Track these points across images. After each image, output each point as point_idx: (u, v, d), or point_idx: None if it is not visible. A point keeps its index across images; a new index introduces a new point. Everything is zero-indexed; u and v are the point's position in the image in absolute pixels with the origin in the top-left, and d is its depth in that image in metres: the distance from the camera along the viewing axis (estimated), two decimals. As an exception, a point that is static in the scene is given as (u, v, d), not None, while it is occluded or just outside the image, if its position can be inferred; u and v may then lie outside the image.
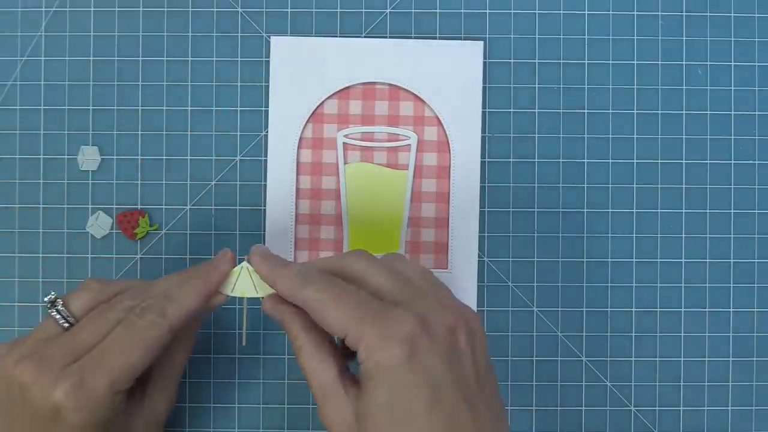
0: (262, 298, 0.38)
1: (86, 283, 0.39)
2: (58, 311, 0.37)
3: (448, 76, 0.46)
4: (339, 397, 0.35)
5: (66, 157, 0.47)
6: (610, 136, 0.47)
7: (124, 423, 0.38)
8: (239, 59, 0.47)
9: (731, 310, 0.47)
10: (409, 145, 0.46)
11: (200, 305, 0.38)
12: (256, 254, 0.38)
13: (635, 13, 0.47)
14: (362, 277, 0.36)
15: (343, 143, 0.46)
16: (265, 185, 0.46)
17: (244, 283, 0.38)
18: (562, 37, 0.47)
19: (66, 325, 0.37)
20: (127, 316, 0.37)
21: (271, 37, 0.46)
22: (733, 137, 0.47)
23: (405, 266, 0.37)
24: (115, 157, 0.47)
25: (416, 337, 0.33)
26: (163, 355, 0.38)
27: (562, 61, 0.47)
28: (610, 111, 0.47)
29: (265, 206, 0.46)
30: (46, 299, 0.38)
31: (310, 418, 0.46)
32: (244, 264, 0.38)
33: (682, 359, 0.46)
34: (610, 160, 0.47)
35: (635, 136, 0.47)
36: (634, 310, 0.46)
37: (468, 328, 0.34)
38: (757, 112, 0.47)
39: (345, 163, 0.46)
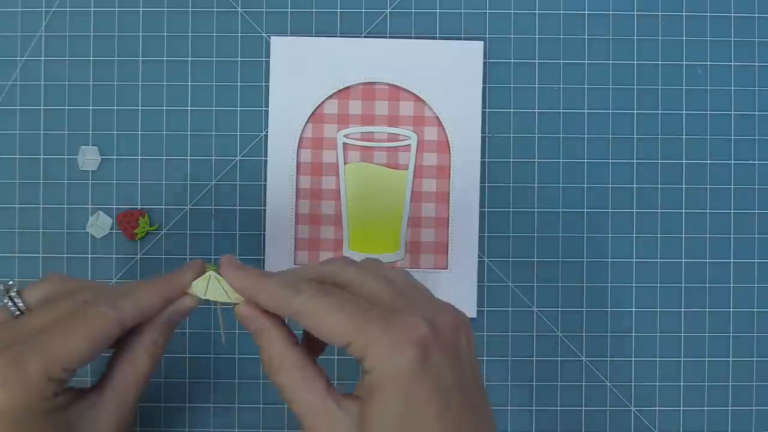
0: (236, 304, 0.35)
1: (48, 277, 0.37)
2: (10, 298, 0.36)
3: (448, 76, 0.46)
4: (334, 415, 0.32)
5: (66, 157, 0.47)
6: (610, 136, 0.47)
7: (70, 426, 0.35)
8: (239, 59, 0.47)
9: (731, 310, 0.47)
10: (409, 145, 0.46)
11: (158, 304, 0.36)
12: (227, 266, 0.35)
13: (635, 13, 0.47)
14: (353, 285, 0.34)
15: (343, 143, 0.46)
16: (265, 185, 0.46)
17: (215, 290, 0.36)
18: (562, 37, 0.47)
19: (17, 313, 0.36)
20: (79, 306, 0.35)
21: (271, 37, 0.46)
22: (733, 137, 0.47)
23: (387, 270, 0.36)
24: (115, 157, 0.47)
25: (428, 341, 0.31)
26: (125, 360, 0.36)
27: (562, 61, 0.47)
28: (610, 111, 0.47)
29: (265, 206, 0.46)
30: (1, 286, 0.36)
31: (310, 418, 0.46)
32: (211, 273, 0.36)
33: (682, 359, 0.46)
34: (610, 160, 0.47)
35: (635, 136, 0.47)
36: (634, 310, 0.46)
37: (465, 328, 0.34)
38: (757, 112, 0.47)
39: (345, 163, 0.46)
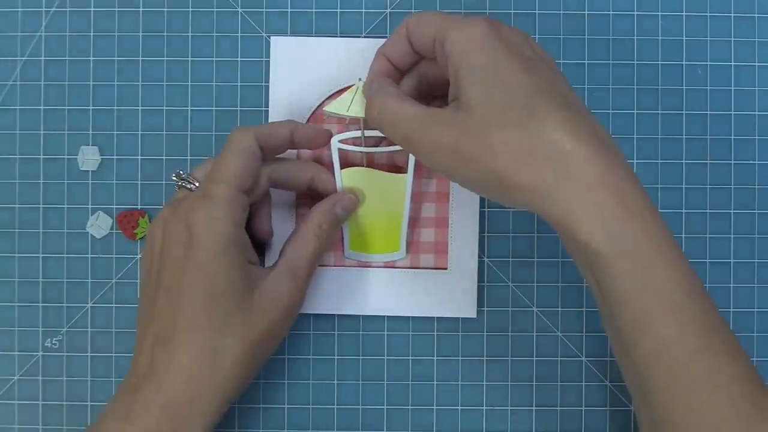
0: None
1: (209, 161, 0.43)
2: (185, 180, 0.42)
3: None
4: (438, 116, 0.36)
5: (66, 157, 0.47)
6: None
7: (251, 282, 0.40)
8: (239, 59, 0.47)
9: (731, 310, 0.46)
10: (409, 145, 0.46)
11: (287, 137, 0.42)
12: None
13: (635, 13, 0.47)
14: None
15: (339, 149, 0.45)
16: (265, 185, 0.46)
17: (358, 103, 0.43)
18: (562, 37, 0.47)
19: (195, 186, 0.42)
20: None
21: (271, 37, 0.46)
22: (733, 137, 0.47)
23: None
24: (115, 157, 0.47)
25: (495, 22, 0.37)
26: (295, 240, 0.42)
27: (562, 61, 0.47)
28: (610, 111, 0.47)
29: (265, 206, 0.46)
30: (174, 177, 0.42)
31: (310, 418, 0.46)
32: (358, 85, 0.43)
33: (682, 359, 0.46)
34: (610, 160, 0.47)
35: (635, 136, 0.47)
36: (634, 310, 0.46)
37: (528, 38, 0.38)
38: (757, 112, 0.47)
39: (342, 167, 0.46)
